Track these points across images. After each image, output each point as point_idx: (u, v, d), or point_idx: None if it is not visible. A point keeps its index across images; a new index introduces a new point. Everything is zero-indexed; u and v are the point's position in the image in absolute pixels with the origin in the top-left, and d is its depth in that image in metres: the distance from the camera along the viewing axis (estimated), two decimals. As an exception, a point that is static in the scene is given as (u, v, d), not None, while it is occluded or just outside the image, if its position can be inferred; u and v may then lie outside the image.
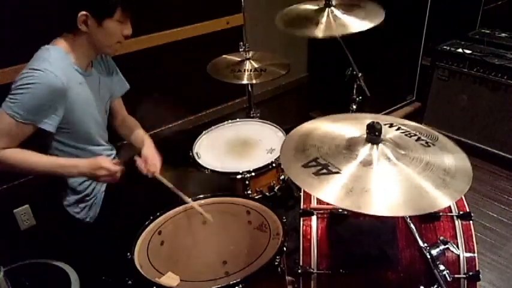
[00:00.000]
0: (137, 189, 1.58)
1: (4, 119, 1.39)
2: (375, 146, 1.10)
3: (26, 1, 1.80)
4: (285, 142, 1.22)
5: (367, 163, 1.07)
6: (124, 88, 1.81)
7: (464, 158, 1.12)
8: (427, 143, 1.15)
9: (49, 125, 1.44)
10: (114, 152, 1.78)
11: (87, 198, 1.63)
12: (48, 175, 1.50)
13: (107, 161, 1.50)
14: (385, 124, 1.22)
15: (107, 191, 1.67)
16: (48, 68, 1.40)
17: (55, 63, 1.43)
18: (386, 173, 1.05)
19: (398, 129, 1.22)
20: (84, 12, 1.42)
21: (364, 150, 1.10)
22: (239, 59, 2.22)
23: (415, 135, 1.19)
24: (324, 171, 1.06)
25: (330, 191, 1.01)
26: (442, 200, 0.99)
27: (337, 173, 1.05)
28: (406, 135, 1.19)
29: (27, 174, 1.46)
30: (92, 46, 1.52)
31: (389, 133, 1.18)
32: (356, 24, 1.74)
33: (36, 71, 1.39)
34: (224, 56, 2.28)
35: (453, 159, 1.10)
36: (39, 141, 1.50)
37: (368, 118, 1.18)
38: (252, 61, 2.20)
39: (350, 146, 1.13)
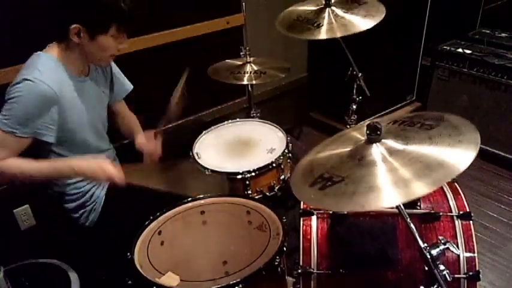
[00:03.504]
0: (137, 195, 1.58)
1: (3, 137, 1.37)
2: (377, 144, 1.09)
3: (26, 1, 1.80)
4: (294, 171, 1.22)
5: (369, 162, 1.05)
6: (126, 90, 1.81)
7: (469, 125, 1.09)
8: (430, 126, 1.13)
9: (49, 136, 1.44)
10: (114, 154, 1.78)
11: (87, 204, 1.63)
12: (50, 178, 1.50)
13: (107, 164, 1.46)
14: (388, 123, 1.21)
15: (106, 197, 1.66)
16: (39, 77, 1.37)
17: (46, 71, 1.40)
18: (390, 164, 1.03)
19: (401, 123, 1.20)
20: (76, 25, 1.39)
21: (367, 151, 1.08)
22: (240, 63, 2.24)
23: (419, 122, 1.16)
24: (329, 183, 1.05)
25: (332, 200, 1.00)
26: (454, 165, 0.96)
27: (341, 181, 1.03)
28: (409, 125, 1.16)
29: (29, 181, 1.46)
30: (84, 55, 1.50)
31: (390, 130, 1.16)
32: (357, 23, 1.74)
33: (26, 81, 1.37)
34: (226, 60, 2.29)
35: (458, 129, 1.08)
36: (36, 153, 1.49)
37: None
38: (252, 64, 2.21)
39: (352, 153, 1.12)
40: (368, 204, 0.96)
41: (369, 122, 1.11)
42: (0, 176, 1.43)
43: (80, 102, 1.52)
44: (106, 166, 1.45)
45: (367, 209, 0.96)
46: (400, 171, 0.99)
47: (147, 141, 1.77)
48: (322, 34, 1.75)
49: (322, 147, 1.26)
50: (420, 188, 0.94)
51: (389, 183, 0.97)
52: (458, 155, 0.97)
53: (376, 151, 1.07)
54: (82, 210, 1.63)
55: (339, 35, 1.74)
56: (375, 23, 1.73)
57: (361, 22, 1.74)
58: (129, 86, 1.81)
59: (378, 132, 1.09)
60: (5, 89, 1.42)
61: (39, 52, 1.47)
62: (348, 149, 1.15)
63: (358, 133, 1.22)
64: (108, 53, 1.50)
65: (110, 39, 1.45)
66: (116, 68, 1.74)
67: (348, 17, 1.78)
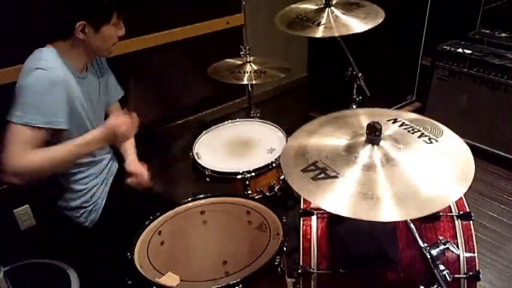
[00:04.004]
0: (138, 196, 1.58)
1: (20, 131, 1.34)
2: (375, 146, 1.09)
3: (26, 1, 1.80)
4: (286, 146, 1.21)
5: (368, 167, 1.05)
6: (118, 94, 1.78)
7: (466, 151, 1.11)
8: (430, 139, 1.14)
9: (62, 122, 1.41)
10: (111, 153, 1.78)
11: (86, 204, 1.62)
12: (75, 160, 1.47)
13: (116, 119, 1.48)
14: (389, 120, 1.21)
15: (108, 197, 1.66)
16: (46, 65, 1.39)
17: (51, 60, 1.42)
18: (388, 176, 1.03)
19: (401, 125, 1.20)
20: (82, 22, 1.40)
21: (364, 152, 1.09)
22: (240, 63, 2.24)
23: (419, 131, 1.17)
24: (322, 175, 1.04)
25: (327, 198, 1.00)
26: (444, 197, 0.99)
27: (335, 177, 1.03)
28: (408, 131, 1.17)
29: (55, 171, 1.44)
30: (88, 50, 1.50)
31: (390, 131, 1.17)
32: (356, 25, 1.74)
33: (38, 70, 1.37)
34: (226, 60, 2.29)
35: (455, 153, 1.09)
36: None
37: (374, 113, 1.17)
38: (252, 64, 2.21)
39: (349, 148, 1.12)
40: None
41: (369, 122, 1.10)
42: (22, 176, 1.36)
43: (81, 97, 1.52)
44: (117, 121, 1.47)
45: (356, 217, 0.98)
46: (381, 187, 1.00)
47: (136, 170, 1.67)
48: (320, 33, 1.75)
49: (317, 127, 1.25)
50: (388, 215, 0.97)
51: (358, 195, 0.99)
52: (447, 192, 1.00)
53: (376, 156, 1.08)
54: (82, 210, 1.62)
55: (336, 34, 1.73)
56: (373, 26, 1.72)
57: (359, 25, 1.73)
58: (122, 92, 1.79)
59: (378, 133, 1.09)
60: (5, 89, 1.41)
61: (40, 48, 1.47)
62: (345, 141, 1.15)
63: (357, 121, 1.22)
64: (111, 43, 1.52)
65: (112, 27, 1.47)
66: (111, 73, 1.74)
67: (347, 19, 1.78)
